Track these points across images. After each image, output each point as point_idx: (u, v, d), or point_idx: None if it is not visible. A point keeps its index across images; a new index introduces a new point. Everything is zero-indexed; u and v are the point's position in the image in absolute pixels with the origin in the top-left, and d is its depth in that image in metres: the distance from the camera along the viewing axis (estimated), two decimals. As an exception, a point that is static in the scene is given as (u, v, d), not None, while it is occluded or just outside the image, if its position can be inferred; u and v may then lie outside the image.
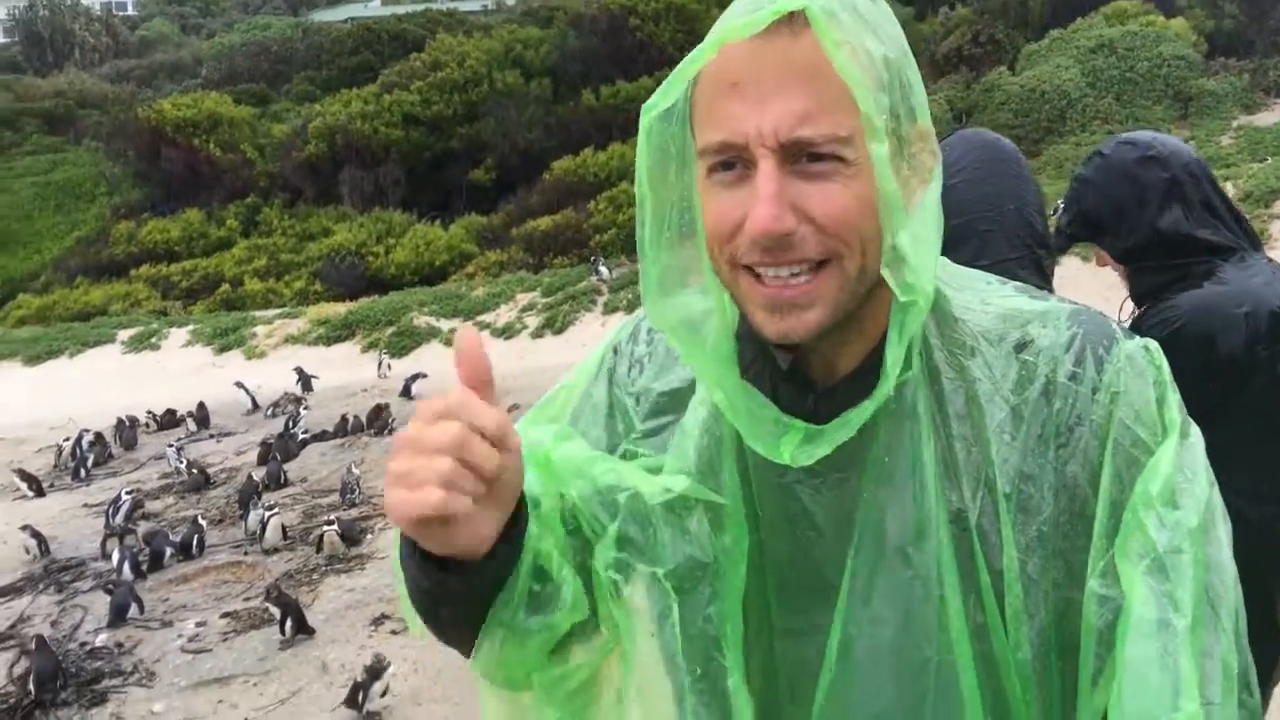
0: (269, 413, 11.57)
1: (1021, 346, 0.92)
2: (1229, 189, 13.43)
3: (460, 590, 0.88)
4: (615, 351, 1.07)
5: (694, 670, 0.95)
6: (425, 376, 11.86)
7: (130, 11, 58.58)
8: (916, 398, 0.91)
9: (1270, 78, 19.22)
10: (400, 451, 0.82)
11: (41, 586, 6.81)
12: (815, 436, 0.89)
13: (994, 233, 1.68)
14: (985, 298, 0.97)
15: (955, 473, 0.90)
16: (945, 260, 0.96)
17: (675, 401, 1.01)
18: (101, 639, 5.81)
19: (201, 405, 11.56)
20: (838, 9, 0.83)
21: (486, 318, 15.12)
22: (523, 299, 15.45)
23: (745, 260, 0.87)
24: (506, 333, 14.54)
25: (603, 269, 15.33)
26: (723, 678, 0.94)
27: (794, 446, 0.89)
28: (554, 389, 1.08)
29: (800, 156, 0.83)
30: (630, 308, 14.15)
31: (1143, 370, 0.90)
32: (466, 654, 0.96)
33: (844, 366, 0.93)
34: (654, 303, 0.94)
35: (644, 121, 0.89)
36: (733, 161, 0.85)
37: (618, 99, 21.86)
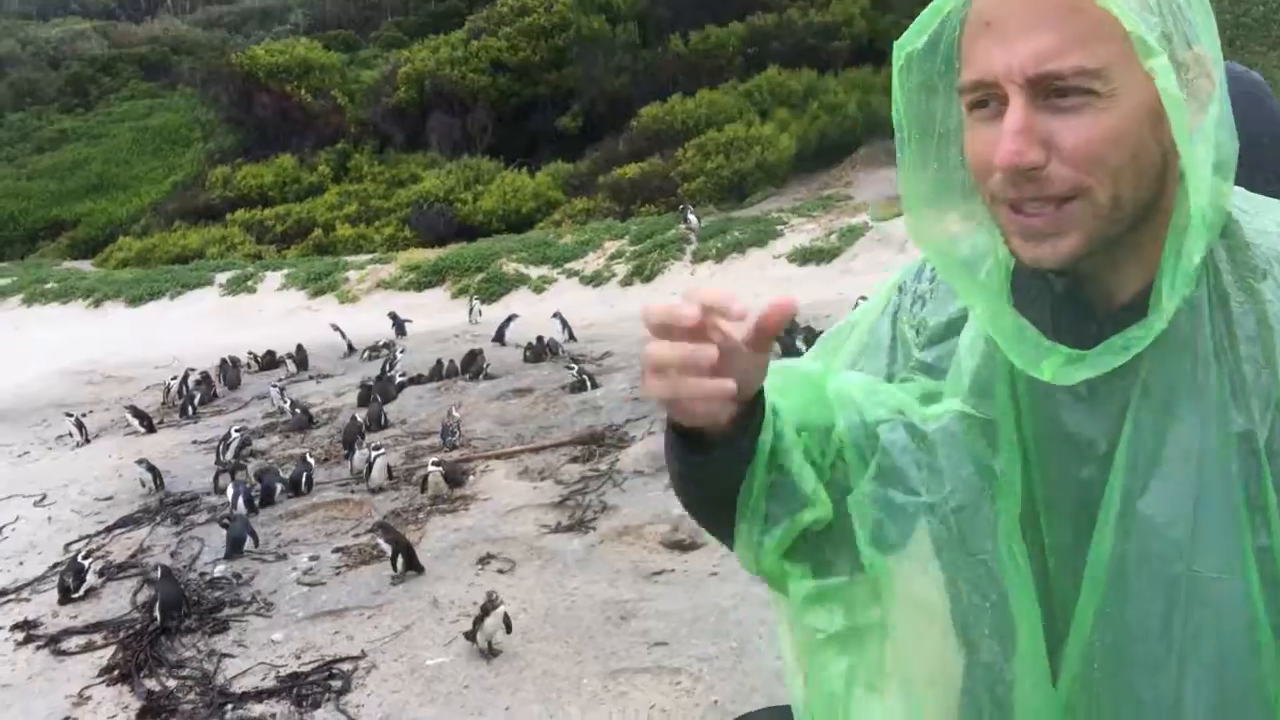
0: (365, 356, 11.78)
1: None
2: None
3: (705, 469, 1.01)
4: (900, 290, 1.14)
5: (976, 596, 0.98)
6: (517, 317, 11.99)
7: (220, -42, 59.36)
8: (1202, 322, 0.92)
9: (1399, 21, 18.16)
10: (656, 340, 0.94)
11: (159, 518, 7.07)
12: (1078, 360, 0.91)
13: (1252, 168, 1.60)
14: None
15: (1243, 395, 0.90)
16: (1240, 190, 0.97)
17: (951, 330, 1.06)
18: (219, 570, 6.02)
19: (300, 347, 11.82)
20: None
21: (574, 265, 15.16)
22: (610, 247, 15.45)
23: (1000, 195, 0.91)
24: (595, 281, 14.57)
25: (691, 217, 15.23)
26: (1006, 602, 0.96)
27: (1055, 367, 0.91)
28: (837, 326, 1.13)
29: (1049, 91, 0.86)
30: (719, 256, 14.07)
31: None
32: (727, 542, 1.07)
33: (1123, 294, 0.95)
34: (916, 227, 1.00)
35: (896, 57, 0.95)
36: (987, 99, 0.89)
37: (707, 44, 21.53)
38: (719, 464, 1.00)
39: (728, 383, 0.89)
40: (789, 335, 9.14)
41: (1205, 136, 0.88)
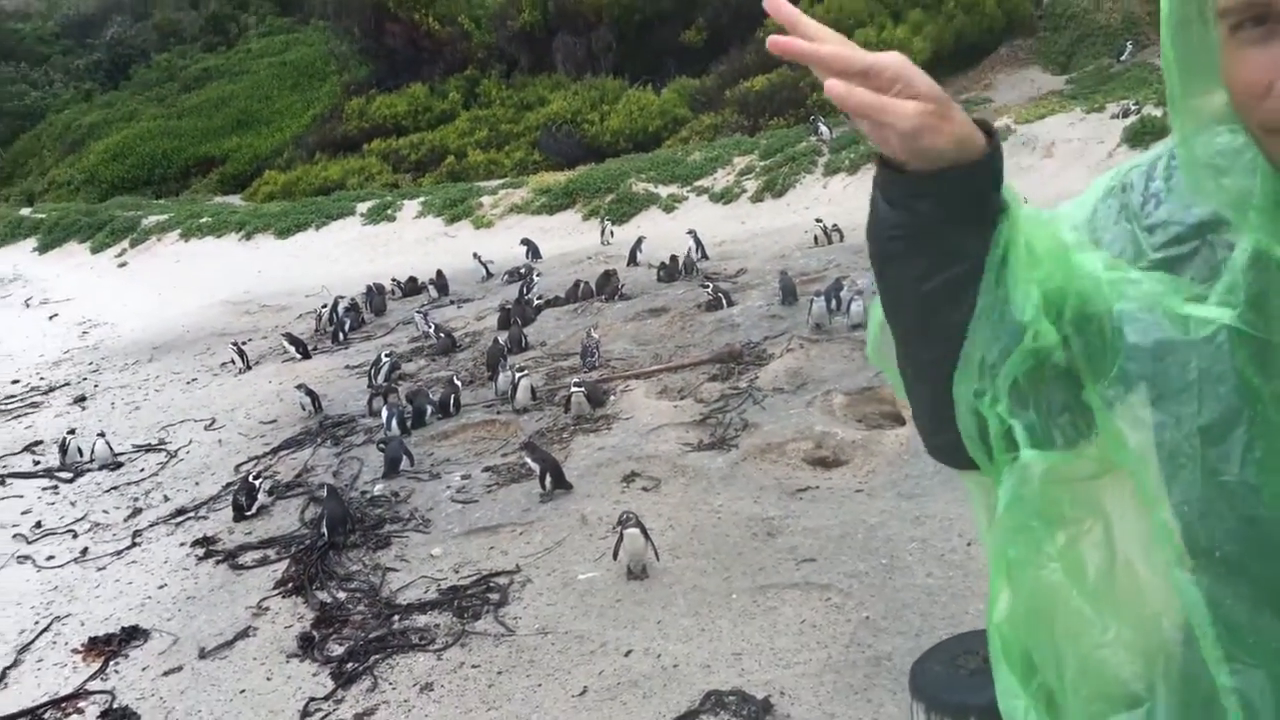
0: (504, 279, 12.01)
1: None
2: None
3: (913, 199, 0.97)
4: (1125, 189, 1.04)
5: (1212, 517, 0.91)
6: (645, 239, 11.98)
7: (343, -111, 59.97)
8: None
9: None
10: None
11: (320, 440, 7.43)
12: None
13: None
14: None
15: None
16: None
17: (1201, 231, 0.97)
18: (379, 489, 6.31)
19: (440, 273, 12.12)
20: None
21: (704, 182, 15.01)
22: (740, 162, 15.21)
23: (1275, 124, 0.83)
24: (725, 198, 14.41)
25: (823, 128, 14.83)
26: (1249, 528, 0.90)
27: None
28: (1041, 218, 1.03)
29: None
30: (853, 168, 13.70)
31: None
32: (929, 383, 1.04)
33: None
34: (1185, 149, 0.93)
35: None
36: (1262, 16, 0.81)
37: (836, -53, 20.70)
38: (936, 197, 0.96)
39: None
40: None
41: None
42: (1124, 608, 0.97)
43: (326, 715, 4.11)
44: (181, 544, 6.11)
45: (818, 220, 11.10)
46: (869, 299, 7.68)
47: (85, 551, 6.24)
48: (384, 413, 7.21)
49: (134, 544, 6.22)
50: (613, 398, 7.18)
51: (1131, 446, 0.94)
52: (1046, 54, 17.80)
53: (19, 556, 6.33)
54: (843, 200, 12.91)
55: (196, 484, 7.12)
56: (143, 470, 7.59)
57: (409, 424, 7.14)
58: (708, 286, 9.20)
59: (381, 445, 6.73)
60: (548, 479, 5.70)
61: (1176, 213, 0.99)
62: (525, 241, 13.29)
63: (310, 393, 8.05)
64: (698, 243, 11.18)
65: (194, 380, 10.04)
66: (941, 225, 0.97)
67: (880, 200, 1.00)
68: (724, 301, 8.85)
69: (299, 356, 9.93)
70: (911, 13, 18.86)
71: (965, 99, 16.01)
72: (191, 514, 6.55)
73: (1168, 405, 0.92)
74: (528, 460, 5.92)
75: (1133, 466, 0.95)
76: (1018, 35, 18.39)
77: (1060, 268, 0.97)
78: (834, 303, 7.73)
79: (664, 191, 15.07)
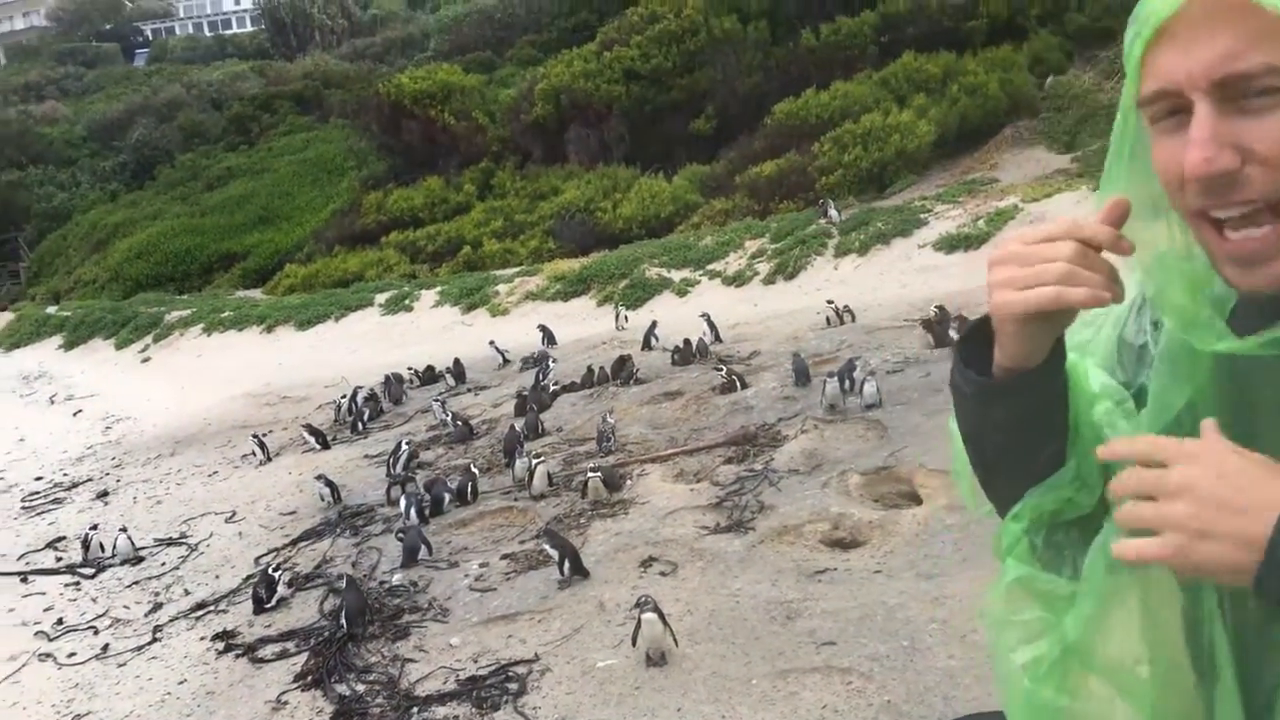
0: (521, 366, 12.12)
1: None
2: None
3: (1008, 397, 1.02)
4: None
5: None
6: (658, 323, 12.11)
7: (361, -8, 61.96)
8: None
9: None
10: (1005, 264, 0.96)
11: (339, 530, 7.47)
12: (1225, 338, 0.92)
13: None
14: None
15: None
16: None
17: None
18: (397, 578, 6.32)
19: (457, 361, 12.25)
20: None
21: (716, 266, 15.19)
22: (751, 246, 15.41)
23: (1195, 205, 0.88)
24: (738, 281, 14.57)
25: (832, 211, 15.06)
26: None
27: (1212, 341, 0.93)
28: (1080, 321, 1.10)
29: (1240, 94, 0.83)
30: (863, 249, 13.87)
31: None
32: (1006, 508, 1.09)
33: None
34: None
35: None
36: (1173, 109, 0.88)
37: (838, 36, 21.26)
38: (1030, 394, 1.02)
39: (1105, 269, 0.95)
40: (941, 325, 8.96)
41: None
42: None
43: (346, 810, 4.08)
44: (202, 638, 6.12)
45: (829, 301, 11.21)
46: (881, 379, 7.75)
47: (106, 648, 6.26)
48: (402, 501, 7.25)
49: (154, 639, 6.24)
50: (629, 482, 7.20)
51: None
52: (1051, 134, 18.08)
53: (40, 654, 6.35)
54: (853, 281, 13.05)
55: (217, 577, 7.15)
56: (164, 564, 7.63)
57: (427, 512, 7.17)
58: (721, 369, 9.27)
59: (400, 534, 6.76)
60: (566, 565, 5.71)
61: None
62: (541, 328, 13.45)
63: (329, 483, 8.11)
64: (711, 326, 11.28)
65: (215, 473, 10.13)
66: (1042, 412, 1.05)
67: (980, 401, 1.05)
68: (738, 384, 8.91)
69: (318, 447, 10.02)
70: (916, 97, 19.25)
71: (972, 179, 16.25)
72: (211, 608, 6.57)
73: None
74: (546, 547, 5.94)
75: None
76: (1022, 116, 18.71)
77: (1086, 402, 1.06)
78: (847, 383, 7.78)
79: (677, 276, 15.26)
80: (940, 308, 9.37)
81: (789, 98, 20.41)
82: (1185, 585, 1.04)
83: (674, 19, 23.31)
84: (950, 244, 13.04)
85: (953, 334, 8.59)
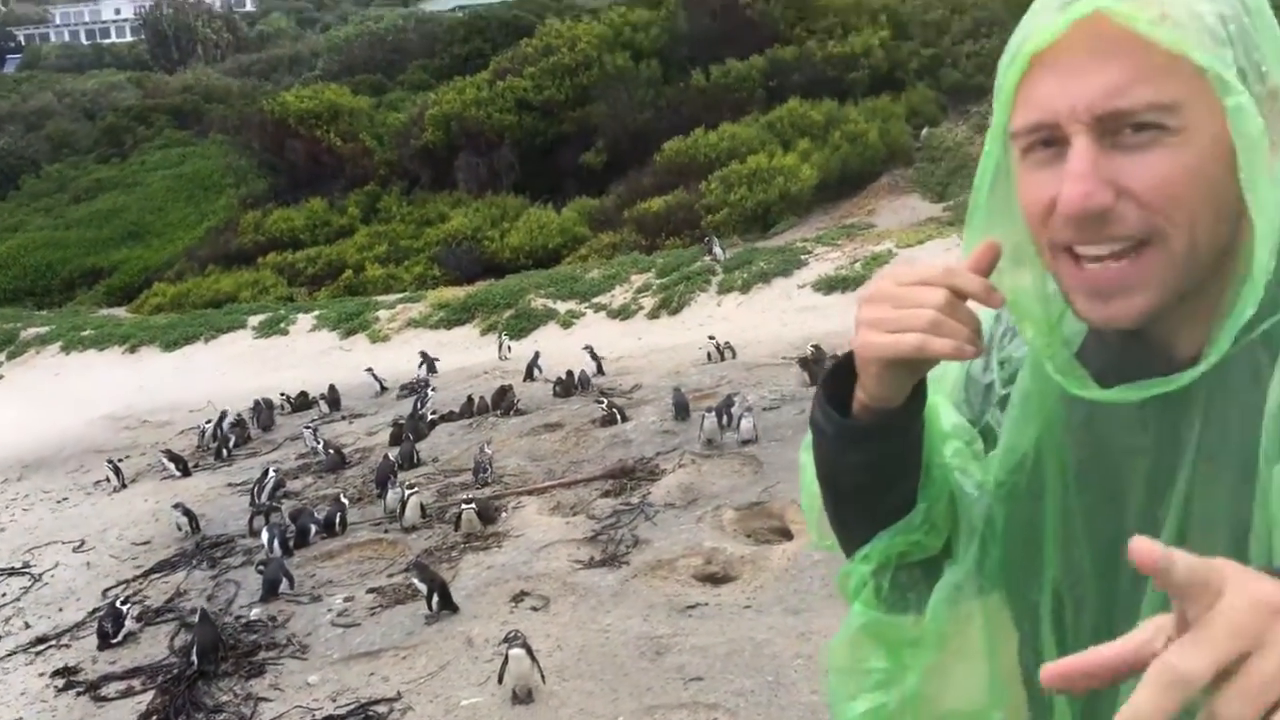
0: (399, 394, 11.87)
1: None
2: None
3: (868, 438, 0.98)
4: (997, 318, 1.08)
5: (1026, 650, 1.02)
6: (541, 355, 12.03)
7: (249, 8, 60.69)
8: (1266, 363, 0.87)
9: None
10: (875, 303, 0.92)
11: (195, 562, 7.13)
12: (1090, 388, 0.90)
13: None
14: None
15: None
16: None
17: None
18: (255, 613, 6.06)
19: (333, 388, 11.93)
20: None
21: (602, 299, 15.21)
22: (637, 280, 15.49)
23: (1061, 239, 0.86)
24: (622, 314, 14.61)
25: (717, 249, 15.26)
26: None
27: (1080, 389, 0.91)
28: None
29: (1120, 129, 0.82)
30: (745, 287, 14.08)
31: None
32: (854, 547, 1.06)
33: (1186, 349, 0.90)
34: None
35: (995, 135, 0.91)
36: (1048, 141, 0.85)
37: (728, 79, 21.70)
38: (888, 438, 0.98)
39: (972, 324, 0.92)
40: (818, 364, 9.13)
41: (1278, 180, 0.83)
42: None
43: None
44: (41, 674, 5.75)
45: (711, 337, 11.33)
46: (758, 415, 7.83)
47: (-69, 685, 5.81)
48: (264, 532, 6.97)
49: (-14, 676, 5.83)
50: (504, 514, 7.09)
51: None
52: (925, 183, 18.75)
53: None
54: (735, 318, 13.22)
55: (60, 610, 6.73)
56: (3, 595, 7.16)
57: (291, 544, 6.91)
58: (603, 402, 9.25)
59: (260, 566, 6.49)
60: (434, 599, 5.56)
61: (1021, 347, 1.05)
62: (422, 355, 13.21)
63: (188, 512, 7.76)
64: (594, 358, 11.27)
65: (65, 499, 9.59)
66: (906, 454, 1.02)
67: (839, 441, 1.01)
68: (618, 417, 8.89)
69: (178, 474, 9.59)
70: (800, 142, 19.76)
71: (850, 223, 16.73)
72: (53, 642, 6.18)
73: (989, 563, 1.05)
74: (414, 580, 5.78)
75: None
76: (898, 165, 19.37)
77: (935, 440, 1.04)
78: (725, 419, 7.84)
79: (562, 307, 15.22)
80: (817, 347, 9.55)
81: (678, 136, 20.71)
82: (1020, 626, 1.04)
83: (568, 53, 23.46)
84: (828, 285, 13.35)
85: (829, 373, 8.77)
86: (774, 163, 18.88)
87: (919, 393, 0.98)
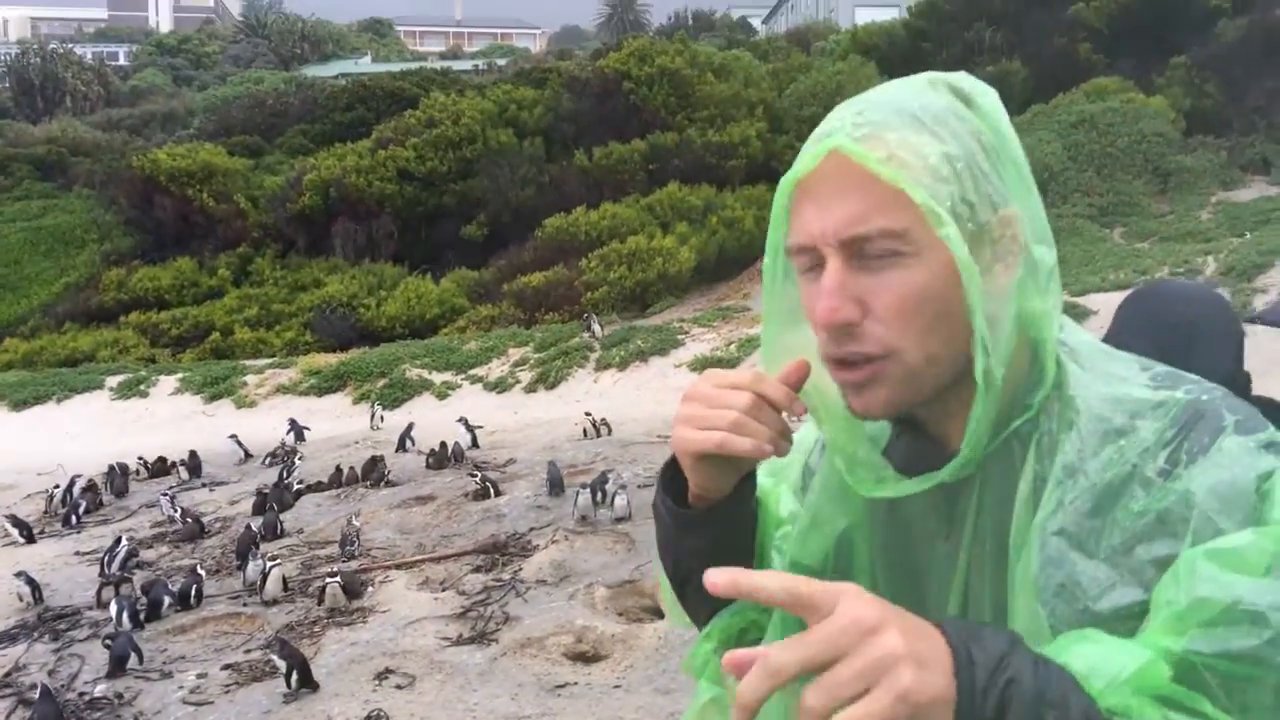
0: (265, 462, 11.53)
1: (1120, 434, 0.94)
2: (1209, 263, 13.74)
3: (701, 531, 1.07)
4: None
5: None
6: (414, 425, 11.87)
7: (122, 62, 59.05)
8: (1020, 457, 0.97)
9: (1247, 155, 19.73)
10: (691, 401, 1.01)
11: (37, 634, 6.74)
12: (885, 483, 1.02)
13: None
14: (1110, 380, 0.99)
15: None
16: (1087, 337, 1.04)
17: None
18: (100, 689, 5.75)
19: (194, 454, 11.52)
20: (886, 122, 0.95)
21: (479, 371, 15.17)
22: (515, 354, 15.52)
23: (824, 351, 0.98)
24: (499, 387, 14.59)
25: (595, 326, 15.46)
26: None
27: (866, 487, 1.02)
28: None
29: (864, 252, 0.94)
30: (623, 364, 14.26)
31: (1243, 464, 0.88)
32: (701, 625, 1.13)
33: (955, 440, 1.00)
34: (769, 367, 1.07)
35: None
36: (812, 262, 0.97)
37: (610, 160, 22.17)
38: (719, 525, 1.07)
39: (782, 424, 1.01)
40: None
41: (1008, 296, 0.95)
42: None
43: None
44: None
45: (587, 413, 11.41)
46: (632, 492, 7.92)
47: None
48: (113, 605, 6.64)
49: None
50: (371, 589, 6.94)
51: None
52: (799, 269, 19.42)
53: None
54: (612, 395, 13.37)
55: (-121, 687, 6.24)
56: None
57: (142, 617, 6.61)
58: (476, 475, 9.19)
59: (108, 641, 6.17)
60: (293, 677, 5.39)
61: None
62: (290, 421, 12.89)
63: (30, 581, 7.34)
64: (469, 430, 11.20)
65: (-109, 566, 8.93)
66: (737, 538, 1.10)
67: (675, 527, 1.09)
68: (492, 491, 8.85)
69: (22, 540, 9.07)
70: (679, 225, 20.27)
71: (727, 306, 17.16)
72: None
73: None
74: (273, 656, 5.59)
75: None
76: (773, 251, 20.04)
77: (773, 525, 1.14)
78: (599, 495, 7.89)
79: (438, 378, 15.11)
80: (691, 426, 9.72)
81: (560, 213, 20.99)
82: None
83: (452, 126, 23.60)
84: (704, 365, 13.64)
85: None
86: (653, 244, 19.30)
87: (748, 484, 1.07)
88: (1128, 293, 1.96)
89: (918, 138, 0.94)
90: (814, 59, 26.01)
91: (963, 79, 1.00)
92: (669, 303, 18.58)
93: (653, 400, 12.76)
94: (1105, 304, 10.32)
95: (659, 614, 6.18)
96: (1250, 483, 0.87)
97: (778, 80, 25.35)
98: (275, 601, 6.84)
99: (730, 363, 13.38)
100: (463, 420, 11.42)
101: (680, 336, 14.74)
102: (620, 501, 7.73)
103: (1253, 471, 0.87)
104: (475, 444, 11.09)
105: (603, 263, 19.11)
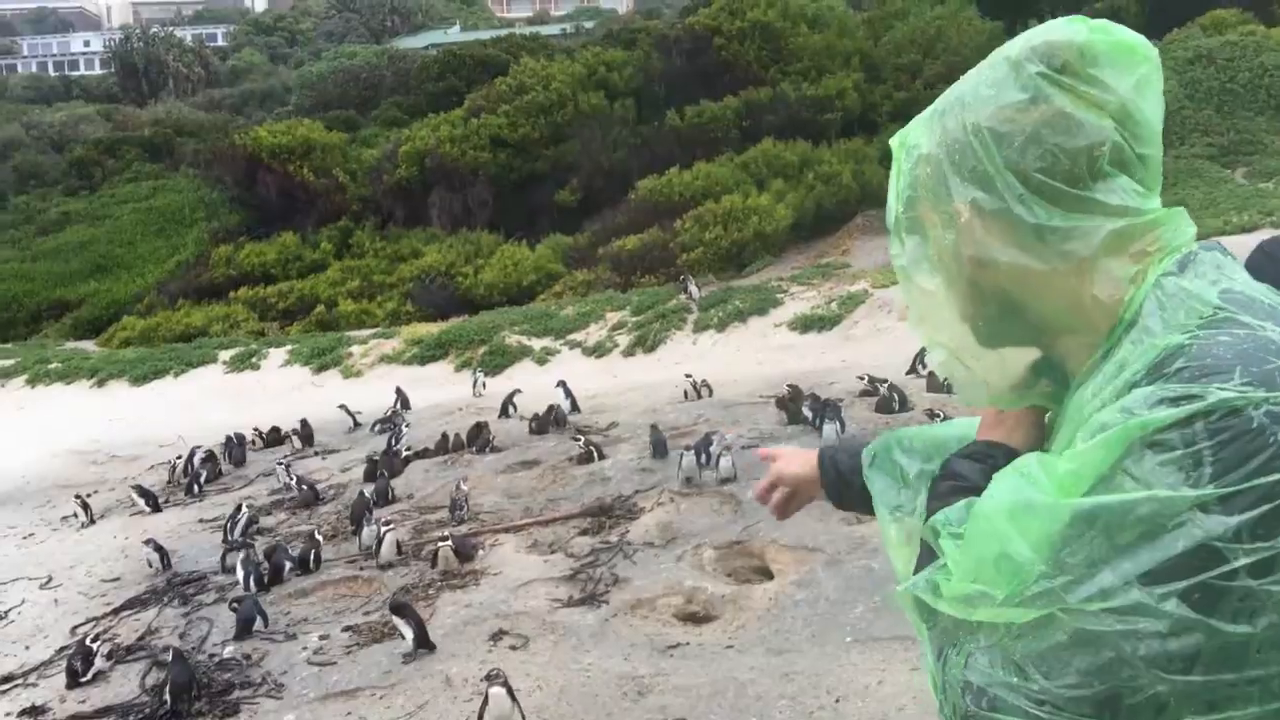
0: (374, 429, 11.78)
1: (1123, 366, 1.06)
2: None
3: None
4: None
5: None
6: (520, 392, 11.99)
7: (220, 42, 60.63)
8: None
9: (1382, 85, 18.54)
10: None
11: (166, 599, 7.01)
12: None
13: None
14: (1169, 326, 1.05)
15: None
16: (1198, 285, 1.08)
17: None
18: (229, 651, 5.96)
19: (305, 423, 11.82)
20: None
21: (577, 336, 15.24)
22: (612, 318, 15.53)
23: None
24: (597, 351, 14.63)
25: (692, 288, 15.35)
26: None
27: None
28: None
29: None
30: (721, 325, 14.15)
31: (1127, 406, 0.98)
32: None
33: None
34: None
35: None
36: None
37: (702, 119, 21.93)
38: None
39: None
40: (794, 403, 9.17)
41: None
42: None
43: None
44: (8, 714, 5.61)
45: (687, 375, 11.35)
46: (736, 454, 7.85)
47: (-109, 727, 5.66)
48: (238, 569, 6.87)
49: (-51, 717, 5.68)
50: (481, 552, 7.03)
51: None
52: (898, 223, 18.96)
53: None
54: (711, 356, 13.27)
55: (27, 648, 6.59)
56: (-34, 635, 6.99)
57: (265, 581, 6.81)
58: (579, 439, 9.23)
59: (234, 604, 6.39)
60: (412, 638, 5.50)
61: None
62: (397, 390, 13.14)
63: (159, 548, 7.64)
64: (569, 395, 11.25)
65: (31, 535, 9.41)
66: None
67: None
68: (595, 455, 8.87)
69: (149, 510, 9.45)
70: (774, 182, 19.97)
71: (825, 263, 16.87)
72: (20, 681, 6.04)
73: None
74: (393, 619, 5.71)
75: None
76: (872, 206, 19.59)
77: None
78: (703, 457, 7.84)
79: (537, 345, 15.22)
80: (793, 386, 9.59)
81: (653, 174, 20.87)
82: None
83: (542, 91, 23.63)
84: (804, 324, 13.45)
85: (805, 411, 8.79)
86: (749, 202, 19.05)
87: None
88: (1253, 237, 1.82)
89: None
90: (910, 3, 25.22)
91: (1065, 46, 1.08)
92: (766, 262, 18.35)
93: (753, 361, 12.63)
94: (1230, 247, 9.82)
95: (768, 575, 6.13)
96: (1113, 422, 0.98)
97: (873, 28, 24.73)
98: (390, 565, 6.98)
99: (832, 320, 13.16)
100: (562, 385, 11.47)
101: (779, 295, 14.55)
102: (725, 463, 7.66)
103: (1125, 416, 0.97)
104: (576, 408, 11.14)
105: (698, 223, 18.96)
